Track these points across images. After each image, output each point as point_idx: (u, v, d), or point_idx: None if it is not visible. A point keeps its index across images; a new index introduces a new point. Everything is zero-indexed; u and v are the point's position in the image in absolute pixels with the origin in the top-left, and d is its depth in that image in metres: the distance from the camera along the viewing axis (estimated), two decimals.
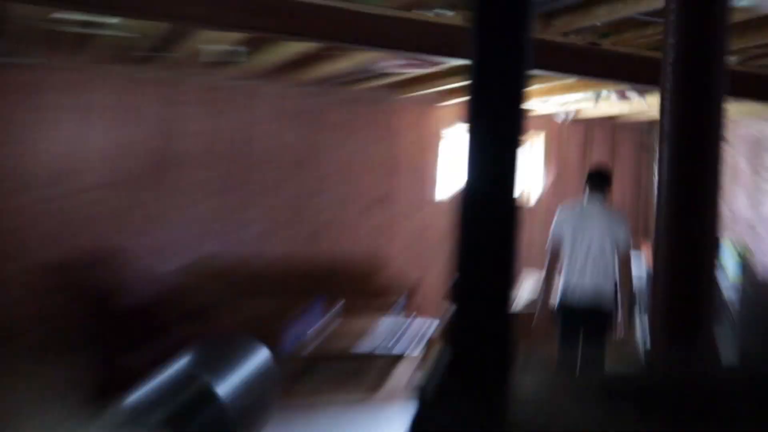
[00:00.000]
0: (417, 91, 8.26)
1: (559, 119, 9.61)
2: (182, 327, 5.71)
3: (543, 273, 5.45)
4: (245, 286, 7.78)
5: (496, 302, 0.65)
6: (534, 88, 7.69)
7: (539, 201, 9.65)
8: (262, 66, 7.25)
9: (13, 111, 7.23)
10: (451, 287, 0.67)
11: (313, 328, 6.84)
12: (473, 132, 0.71)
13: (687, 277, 1.77)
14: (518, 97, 0.72)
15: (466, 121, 0.74)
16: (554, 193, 9.72)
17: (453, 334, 0.63)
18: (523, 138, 0.70)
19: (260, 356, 4.48)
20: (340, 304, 7.23)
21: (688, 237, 1.59)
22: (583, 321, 5.23)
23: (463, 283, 0.66)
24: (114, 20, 5.72)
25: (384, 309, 7.80)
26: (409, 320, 7.30)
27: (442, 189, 9.03)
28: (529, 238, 9.49)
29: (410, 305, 7.89)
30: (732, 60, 6.29)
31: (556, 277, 5.44)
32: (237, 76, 7.85)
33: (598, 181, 5.72)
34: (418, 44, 5.28)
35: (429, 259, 9.01)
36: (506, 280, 0.67)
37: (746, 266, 8.30)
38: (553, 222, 5.74)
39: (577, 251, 5.42)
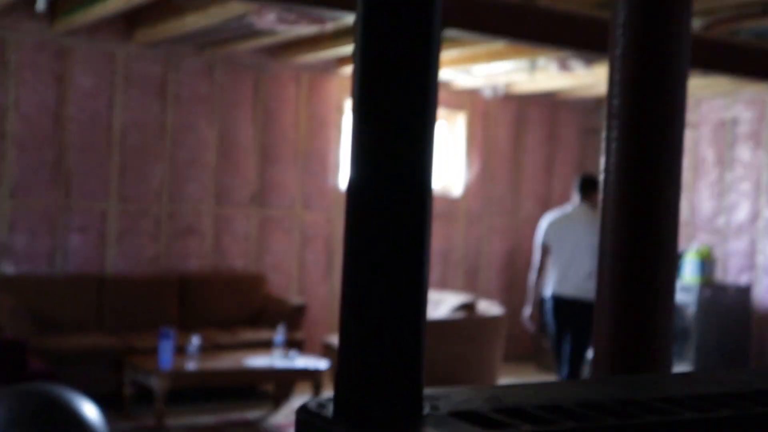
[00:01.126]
0: (308, 55, 8.14)
1: (486, 95, 9.68)
2: None
3: (532, 275, 7.04)
4: (65, 316, 7.46)
5: (394, 331, 0.58)
6: (451, 54, 7.70)
7: (465, 193, 9.71)
8: (90, 19, 6.97)
9: None
10: (342, 309, 0.62)
11: (163, 371, 6.60)
12: (362, 110, 0.62)
13: (637, 296, 1.72)
14: (424, 63, 0.62)
15: (352, 96, 0.65)
16: (481, 184, 9.80)
17: (339, 370, 0.58)
18: (432, 117, 0.61)
19: (81, 416, 4.23)
20: (196, 341, 7.01)
21: (640, 245, 1.53)
22: (571, 316, 6.79)
23: (353, 304, 0.59)
24: None
25: (256, 345, 7.64)
26: (289, 358, 7.17)
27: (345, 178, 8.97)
28: (448, 243, 9.56)
29: (292, 338, 7.75)
30: (695, 24, 6.45)
31: (543, 277, 7.00)
32: (62, 31, 7.52)
33: (587, 187, 7.04)
34: None
35: (320, 273, 8.91)
36: (411, 299, 0.59)
37: (706, 267, 8.64)
38: (540, 230, 7.06)
39: (564, 252, 6.86)
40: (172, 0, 6.50)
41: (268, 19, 6.37)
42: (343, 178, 9.04)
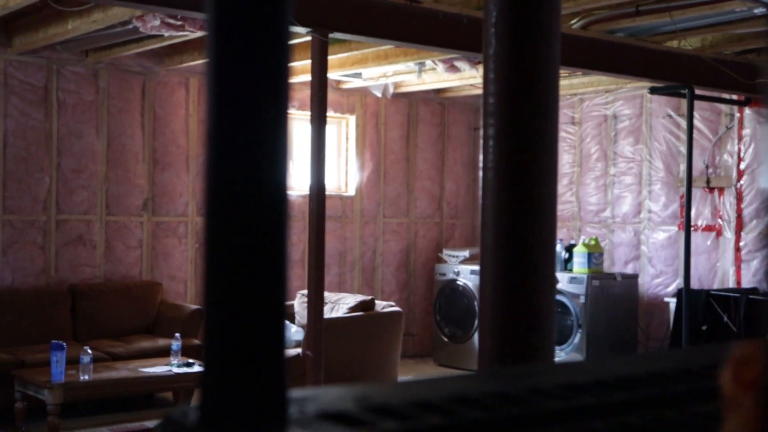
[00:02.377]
0: (197, 59, 8.01)
1: (377, 94, 9.72)
2: None
3: None
4: None
5: (255, 334, 0.58)
6: (340, 56, 7.70)
7: (358, 193, 9.72)
8: None
9: None
10: (204, 313, 0.60)
11: (56, 383, 6.41)
12: (214, 110, 0.60)
13: (518, 290, 1.75)
14: (274, 60, 0.61)
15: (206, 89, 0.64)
16: (375, 183, 9.84)
17: (203, 376, 0.57)
18: (284, 114, 0.60)
19: None
20: (89, 352, 6.83)
21: (520, 239, 1.56)
22: None
23: (212, 307, 0.58)
24: None
25: (154, 353, 7.48)
26: (186, 365, 7.06)
27: None
28: (343, 244, 9.57)
29: (191, 344, 7.62)
30: (574, 25, 6.62)
31: None
32: None
33: None
34: None
35: None
36: (271, 302, 0.58)
37: (594, 259, 8.89)
38: None
39: None
40: (51, 5, 6.31)
41: (152, 23, 6.25)
42: None
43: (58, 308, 7.68)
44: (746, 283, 8.57)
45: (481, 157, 1.50)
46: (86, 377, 6.60)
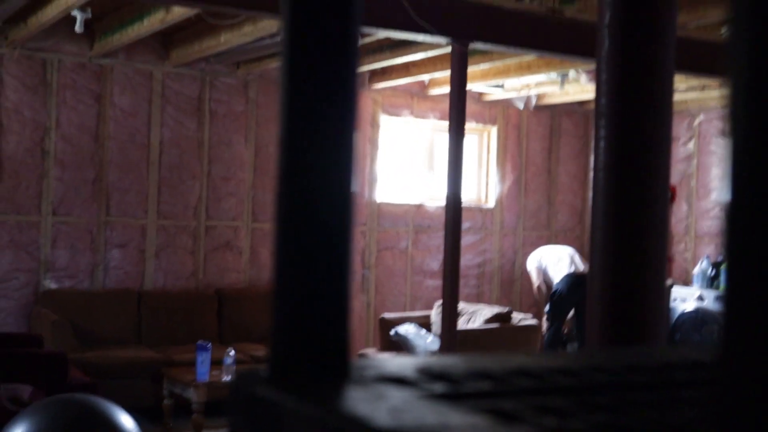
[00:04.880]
0: None
1: (519, 106, 9.68)
2: (9, 388, 5.50)
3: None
4: (105, 330, 7.57)
5: (322, 305, 0.63)
6: (481, 67, 7.72)
7: (498, 205, 9.70)
8: (127, 39, 7.11)
9: None
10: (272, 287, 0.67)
11: (201, 383, 6.68)
12: (286, 118, 0.66)
13: (626, 290, 1.75)
14: (343, 71, 0.66)
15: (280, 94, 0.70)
16: (515, 196, 9.79)
17: (271, 339, 0.66)
18: (351, 124, 0.65)
19: (119, 426, 4.31)
20: (232, 354, 7.07)
21: (630, 241, 1.56)
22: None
23: (283, 282, 0.64)
24: None
25: None
26: None
27: (383, 188, 9.09)
28: (482, 255, 9.51)
29: None
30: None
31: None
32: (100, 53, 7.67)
33: None
34: None
35: (356, 287, 8.95)
36: (339, 279, 0.63)
37: None
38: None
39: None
40: (206, 19, 6.62)
41: None
42: (381, 190, 9.12)
43: (205, 311, 8.01)
44: None
45: (592, 158, 1.51)
46: (229, 378, 6.84)
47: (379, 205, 9.06)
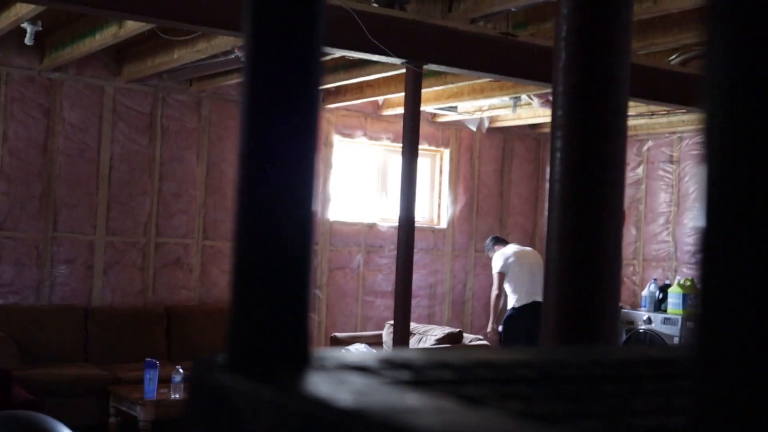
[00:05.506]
0: None
1: (472, 128, 9.75)
2: None
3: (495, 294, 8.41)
4: (51, 347, 7.43)
5: (282, 294, 0.63)
6: (435, 89, 7.77)
7: (450, 224, 9.74)
8: (78, 53, 7.04)
9: None
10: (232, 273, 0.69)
11: (148, 400, 6.58)
12: (246, 135, 0.66)
13: (580, 300, 1.76)
14: (305, 88, 0.66)
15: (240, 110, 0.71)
16: (467, 215, 9.84)
17: (229, 328, 0.66)
18: (312, 143, 0.65)
19: None
20: (181, 371, 6.98)
21: (584, 248, 1.57)
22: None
23: (241, 270, 0.64)
24: None
25: None
26: None
27: (336, 207, 9.06)
28: (434, 276, 9.53)
29: None
30: (671, 60, 6.54)
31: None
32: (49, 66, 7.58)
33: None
34: None
35: None
36: (299, 271, 0.63)
37: (689, 300, 8.67)
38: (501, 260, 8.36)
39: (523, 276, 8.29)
40: (159, 35, 6.58)
41: None
42: (331, 210, 9.09)
43: (153, 328, 7.90)
44: None
45: (548, 170, 1.52)
46: (177, 396, 6.76)
47: (332, 223, 9.05)
